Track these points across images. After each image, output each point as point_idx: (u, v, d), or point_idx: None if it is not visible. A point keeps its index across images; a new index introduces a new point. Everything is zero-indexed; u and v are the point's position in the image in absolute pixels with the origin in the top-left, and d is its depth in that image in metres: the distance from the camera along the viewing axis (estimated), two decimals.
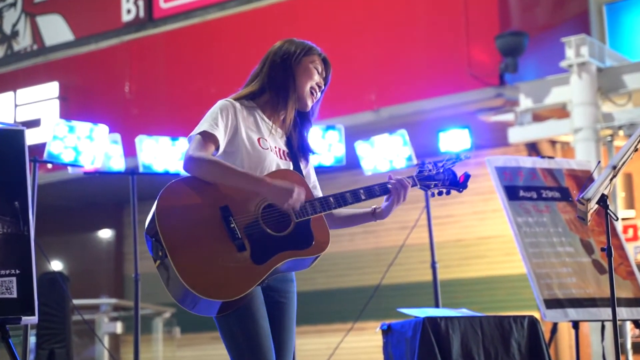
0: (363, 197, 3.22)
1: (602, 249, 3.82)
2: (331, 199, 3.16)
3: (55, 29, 12.51)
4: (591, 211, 3.71)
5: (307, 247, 3.06)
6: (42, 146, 6.08)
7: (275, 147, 3.23)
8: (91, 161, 6.08)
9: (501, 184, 5.60)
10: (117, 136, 6.53)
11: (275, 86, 3.24)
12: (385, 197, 3.30)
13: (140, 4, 11.80)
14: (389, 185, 3.28)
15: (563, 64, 8.68)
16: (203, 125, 3.10)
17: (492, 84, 9.26)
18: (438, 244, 7.02)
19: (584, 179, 5.77)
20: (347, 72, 9.79)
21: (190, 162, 3.03)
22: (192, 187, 3.03)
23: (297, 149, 3.33)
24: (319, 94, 3.30)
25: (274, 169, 3.16)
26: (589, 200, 3.66)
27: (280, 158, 3.23)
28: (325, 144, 6.62)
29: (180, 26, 11.52)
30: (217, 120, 3.12)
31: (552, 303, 5.25)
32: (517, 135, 9.25)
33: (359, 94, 9.92)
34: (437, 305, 6.47)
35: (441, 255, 7.78)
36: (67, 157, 5.99)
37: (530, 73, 9.41)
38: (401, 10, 10.03)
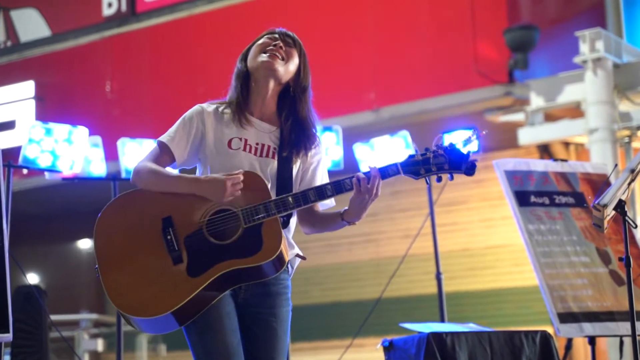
0: (329, 193, 3.11)
1: (620, 259, 3.82)
2: (290, 198, 3.07)
3: (31, 24, 12.50)
4: (608, 218, 3.71)
5: (251, 255, 2.99)
6: (17, 150, 6.07)
7: (257, 144, 3.22)
8: (70, 166, 6.08)
9: (511, 189, 5.60)
10: (98, 139, 6.53)
11: (235, 87, 3.31)
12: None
13: None
14: (358, 177, 3.11)
15: (577, 59, 8.68)
16: (164, 135, 3.22)
17: (500, 82, 9.27)
18: (443, 254, 7.02)
19: (599, 184, 5.78)
20: (344, 69, 9.79)
21: (133, 172, 3.17)
22: (139, 199, 3.13)
23: (291, 142, 3.26)
24: (280, 52, 3.26)
25: (246, 168, 3.14)
26: (605, 206, 3.66)
27: (262, 156, 3.20)
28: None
29: (165, 20, 11.51)
30: (176, 130, 3.22)
31: (567, 317, 5.25)
32: (528, 136, 9.25)
33: (358, 92, 9.92)
34: (442, 320, 6.47)
35: (447, 265, 7.77)
36: (43, 161, 5.98)
37: (542, 70, 9.41)
38: (403, 3, 10.04)
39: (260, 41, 3.31)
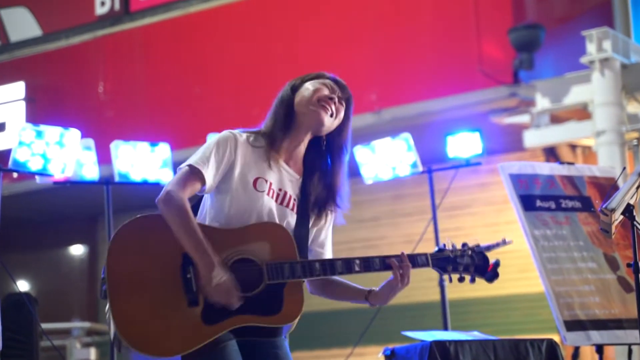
0: (357, 269, 3.12)
1: (629, 265, 3.81)
2: (317, 264, 3.06)
3: (22, 23, 12.51)
4: (616, 223, 3.71)
5: (272, 315, 2.99)
6: (6, 153, 6.07)
7: (280, 190, 3.13)
8: (61, 169, 6.07)
9: (516, 193, 5.60)
10: (90, 141, 6.52)
11: (274, 120, 3.17)
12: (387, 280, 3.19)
13: None
14: (390, 261, 3.14)
15: (584, 59, 8.69)
16: (193, 158, 3.05)
17: (505, 83, 9.28)
18: None
19: (607, 187, 5.78)
20: (344, 69, 9.77)
21: (163, 199, 2.99)
22: (161, 225, 2.98)
23: (314, 201, 3.20)
24: (332, 107, 3.16)
25: (265, 214, 3.07)
26: (613, 210, 3.66)
27: (281, 204, 3.12)
28: None
29: (159, 20, 11.52)
30: (209, 154, 3.06)
31: (573, 325, 5.25)
32: (534, 138, 9.25)
33: (358, 93, 9.84)
34: (445, 328, 6.47)
35: None
36: (34, 165, 5.98)
37: (548, 70, 9.42)
38: (405, 1, 10.05)
39: (317, 85, 3.18)
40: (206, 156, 3.05)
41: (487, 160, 7.13)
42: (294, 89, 3.20)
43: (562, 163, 5.94)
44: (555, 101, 9.08)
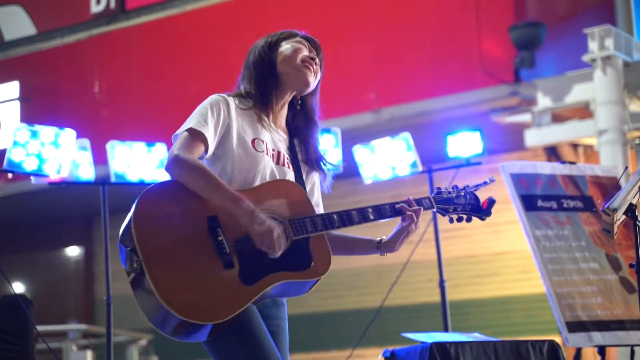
0: (371, 217, 3.18)
1: (631, 265, 3.82)
2: (335, 216, 3.11)
3: (16, 22, 12.51)
4: (618, 223, 3.72)
5: (304, 269, 3.00)
6: (1, 154, 6.07)
7: (274, 150, 3.17)
8: (57, 170, 6.07)
9: (517, 193, 5.61)
10: (86, 142, 6.52)
11: (257, 82, 3.19)
12: (396, 225, 3.26)
13: None
14: (400, 206, 3.22)
15: (585, 58, 8.70)
16: (190, 122, 3.04)
17: (506, 81, 9.28)
18: (447, 261, 7.02)
19: (609, 187, 5.79)
20: (344, 68, 9.79)
21: (174, 163, 2.96)
22: (177, 191, 2.95)
23: (303, 157, 3.27)
24: (314, 67, 3.21)
25: (267, 174, 3.10)
26: (615, 210, 3.67)
27: (278, 163, 3.16)
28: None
29: (155, 18, 11.52)
30: (206, 116, 3.04)
31: (575, 326, 5.26)
32: (535, 138, 9.26)
33: (358, 92, 9.93)
34: (446, 329, 6.47)
35: (450, 273, 7.78)
36: (29, 165, 5.98)
37: (549, 68, 9.43)
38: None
39: (296, 45, 3.21)
40: (204, 117, 3.04)
41: (488, 160, 7.13)
42: (271, 47, 3.22)
43: (563, 162, 5.96)
44: (556, 100, 9.09)
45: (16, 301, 7.19)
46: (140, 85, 11.43)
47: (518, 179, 5.66)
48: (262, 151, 3.11)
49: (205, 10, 11.16)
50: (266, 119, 3.18)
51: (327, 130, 6.66)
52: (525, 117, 9.48)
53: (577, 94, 9.00)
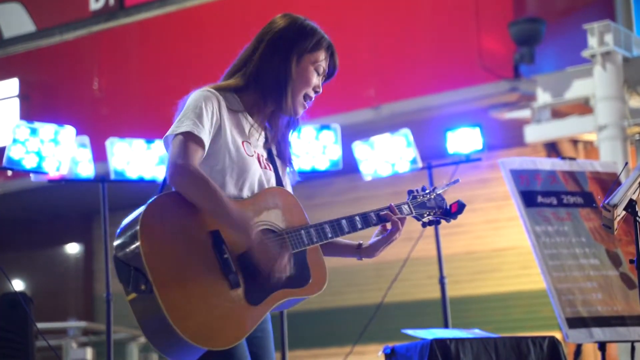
0: (359, 226, 3.11)
1: (631, 261, 3.82)
2: (327, 227, 3.03)
3: (15, 19, 12.50)
4: (618, 219, 3.72)
5: (304, 285, 2.95)
6: (0, 151, 6.07)
7: (256, 153, 3.05)
8: (56, 167, 6.07)
9: (517, 188, 5.61)
10: (86, 139, 6.52)
11: (266, 86, 3.04)
12: (376, 232, 3.21)
13: None
14: (385, 214, 3.15)
15: (585, 53, 8.70)
16: (186, 123, 2.88)
17: (505, 77, 9.28)
18: (447, 257, 7.02)
19: (609, 183, 5.78)
20: (343, 64, 9.76)
21: (179, 172, 2.80)
22: (179, 204, 2.80)
23: (278, 154, 3.17)
24: (312, 99, 3.12)
25: (256, 180, 3.00)
26: (615, 206, 3.66)
27: (262, 167, 3.05)
28: (319, 146, 6.62)
29: (155, 15, 11.51)
30: (201, 117, 2.89)
31: (576, 322, 5.26)
32: (535, 134, 9.26)
33: (357, 89, 9.92)
34: (446, 326, 6.47)
35: (450, 269, 7.77)
36: (29, 163, 5.98)
37: (549, 64, 9.43)
38: None
39: (314, 72, 3.10)
40: (200, 119, 2.89)
41: (488, 156, 7.13)
42: (295, 56, 3.07)
43: (563, 158, 5.95)
44: (556, 96, 9.09)
45: (16, 299, 7.19)
46: (139, 82, 11.43)
47: (518, 175, 5.66)
48: (252, 155, 3.00)
49: (204, 6, 11.15)
50: (251, 119, 3.06)
51: (327, 127, 6.66)
52: (525, 113, 9.49)
53: (577, 89, 9.00)
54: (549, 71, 9.28)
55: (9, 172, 7.30)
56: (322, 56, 3.15)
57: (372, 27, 10.08)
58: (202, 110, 2.92)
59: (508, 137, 10.03)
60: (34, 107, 11.64)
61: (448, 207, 3.32)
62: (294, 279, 2.92)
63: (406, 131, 6.70)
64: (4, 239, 12.61)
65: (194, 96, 2.99)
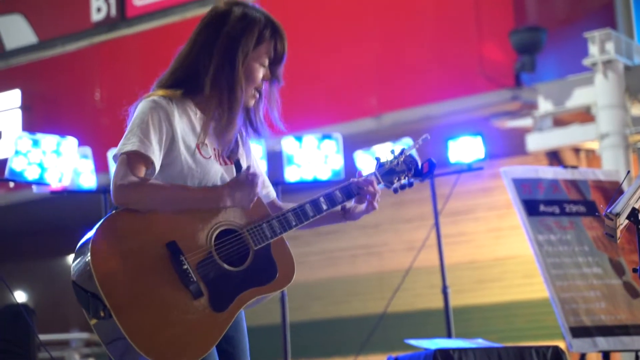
0: (324, 207, 3.02)
1: (634, 270, 3.81)
2: (291, 215, 2.96)
3: (17, 31, 12.52)
4: (621, 227, 3.71)
5: (270, 281, 2.88)
6: (2, 162, 6.07)
7: (215, 150, 2.98)
8: (58, 178, 6.07)
9: (519, 197, 5.60)
10: (88, 150, 6.53)
11: (219, 85, 2.99)
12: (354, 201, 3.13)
13: (112, 1, 11.83)
14: (353, 186, 3.09)
15: (586, 62, 8.70)
16: (132, 141, 2.85)
17: (507, 86, 9.28)
18: (449, 266, 7.02)
19: (612, 191, 5.78)
20: (345, 73, 9.79)
21: (120, 193, 2.79)
22: (130, 222, 2.79)
23: (235, 145, 3.07)
24: (262, 89, 3.03)
25: (218, 180, 2.94)
26: (618, 215, 3.65)
27: (221, 164, 2.99)
28: (321, 156, 6.62)
29: (156, 25, 11.53)
30: (148, 132, 2.86)
31: (579, 331, 5.25)
32: (536, 142, 9.25)
33: (359, 98, 9.92)
34: (449, 336, 6.46)
35: (453, 278, 7.76)
36: (31, 174, 5.98)
37: (550, 73, 9.43)
38: (405, 4, 10.05)
39: (262, 69, 3.02)
40: (146, 135, 2.86)
41: (490, 164, 7.13)
42: (242, 56, 2.99)
43: (565, 167, 5.96)
44: (557, 104, 9.09)
45: (18, 310, 7.18)
46: (141, 93, 11.41)
47: (520, 184, 5.66)
48: (209, 156, 2.94)
49: None
50: (199, 111, 3.00)
51: (329, 137, 6.66)
52: (526, 122, 9.48)
53: (578, 98, 9.00)
54: (550, 80, 9.28)
55: (12, 184, 7.29)
56: (265, 49, 3.03)
57: (373, 36, 10.09)
58: (149, 125, 2.88)
59: (510, 145, 10.02)
60: (36, 119, 11.65)
61: (420, 167, 3.23)
62: (260, 277, 2.87)
63: (408, 140, 6.69)
64: (6, 250, 12.60)
65: (140, 108, 2.98)
